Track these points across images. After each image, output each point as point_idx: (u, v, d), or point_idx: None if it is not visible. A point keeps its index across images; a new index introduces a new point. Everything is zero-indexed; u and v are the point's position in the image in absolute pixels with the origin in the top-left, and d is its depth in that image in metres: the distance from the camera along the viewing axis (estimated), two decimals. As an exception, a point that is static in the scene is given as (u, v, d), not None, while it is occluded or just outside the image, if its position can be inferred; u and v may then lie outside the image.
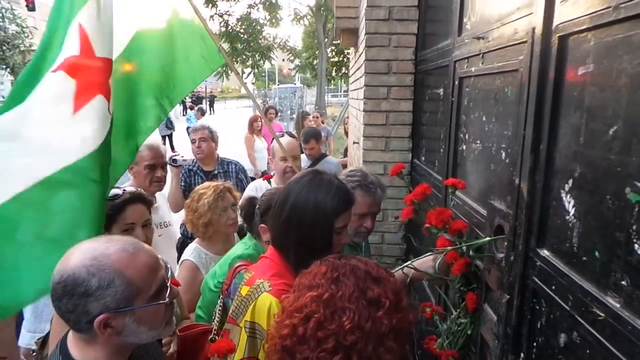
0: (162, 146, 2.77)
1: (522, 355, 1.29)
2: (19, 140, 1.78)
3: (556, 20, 1.11)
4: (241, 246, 2.07)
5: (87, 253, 1.07)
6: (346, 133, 7.20)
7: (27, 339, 2.26)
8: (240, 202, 2.46)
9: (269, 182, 2.91)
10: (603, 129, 0.93)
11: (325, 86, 25.87)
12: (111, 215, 1.79)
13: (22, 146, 1.78)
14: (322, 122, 9.14)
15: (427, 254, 1.68)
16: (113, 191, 1.89)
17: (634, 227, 0.84)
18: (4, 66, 13.58)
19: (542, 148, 1.16)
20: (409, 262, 1.69)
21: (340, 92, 40.22)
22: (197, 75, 2.46)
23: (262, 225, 1.87)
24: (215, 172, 3.50)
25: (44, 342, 1.84)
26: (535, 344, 1.23)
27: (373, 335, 0.94)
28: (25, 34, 14.03)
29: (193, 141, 3.56)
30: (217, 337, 1.78)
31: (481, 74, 1.67)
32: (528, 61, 1.24)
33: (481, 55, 1.63)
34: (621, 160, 0.88)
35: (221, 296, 1.83)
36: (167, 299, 1.15)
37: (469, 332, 1.67)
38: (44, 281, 1.21)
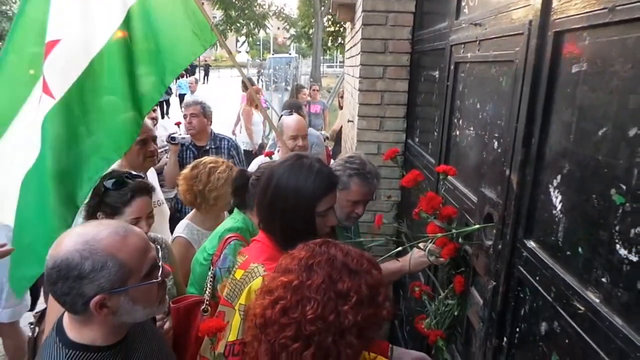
0: (148, 120, 2.78)
1: (505, 339, 1.34)
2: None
3: (553, 15, 1.11)
4: (230, 221, 2.10)
5: (79, 237, 1.09)
6: (340, 107, 7.14)
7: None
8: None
9: (271, 159, 2.90)
10: (593, 129, 0.95)
11: (320, 56, 25.48)
12: (116, 207, 1.80)
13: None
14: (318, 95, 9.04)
15: (414, 249, 1.73)
16: (115, 175, 1.90)
17: (617, 228, 0.87)
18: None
19: (534, 142, 1.18)
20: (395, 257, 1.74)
21: (336, 62, 39.67)
22: (189, 51, 2.44)
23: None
24: (207, 147, 3.49)
25: (41, 316, 1.88)
26: (518, 329, 1.28)
27: (334, 328, 0.94)
28: (13, 0, 13.61)
29: (185, 116, 3.55)
30: (209, 308, 1.84)
31: (477, 61, 1.66)
32: (524, 53, 1.24)
33: (477, 41, 1.63)
34: (608, 161, 0.90)
35: (211, 267, 1.88)
36: (160, 278, 1.19)
37: (455, 313, 1.73)
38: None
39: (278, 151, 3.59)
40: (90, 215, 1.86)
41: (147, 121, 2.74)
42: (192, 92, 10.69)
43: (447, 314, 1.76)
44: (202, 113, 3.50)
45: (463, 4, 1.85)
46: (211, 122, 3.62)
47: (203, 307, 1.86)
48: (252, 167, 2.92)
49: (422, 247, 1.66)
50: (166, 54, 2.37)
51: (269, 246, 1.48)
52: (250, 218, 1.98)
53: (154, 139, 2.67)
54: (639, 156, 0.81)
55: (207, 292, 1.85)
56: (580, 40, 1.01)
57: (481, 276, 1.52)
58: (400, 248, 1.71)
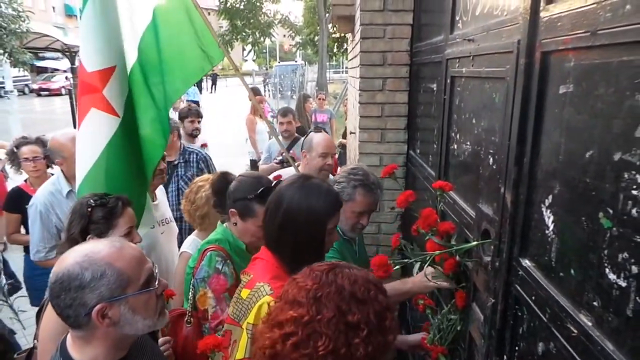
0: None
1: (505, 357, 1.33)
2: None
3: (540, 36, 1.11)
4: (212, 234, 2.13)
5: (79, 252, 1.17)
6: (346, 113, 7.15)
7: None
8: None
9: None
10: (580, 151, 0.95)
11: (326, 63, 25.58)
12: (109, 220, 1.83)
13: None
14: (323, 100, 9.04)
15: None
16: (92, 195, 1.90)
17: (606, 252, 0.86)
18: (1, 51, 13.47)
19: (526, 161, 1.18)
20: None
21: (342, 68, 39.75)
22: (197, 67, 2.50)
23: (232, 209, 1.91)
24: (176, 162, 3.51)
25: (28, 355, 1.87)
26: (517, 348, 1.28)
27: None
28: (22, 18, 13.83)
29: None
30: (192, 319, 1.88)
31: (471, 76, 1.67)
32: (514, 72, 1.24)
33: (471, 57, 1.63)
34: (596, 184, 0.90)
35: (192, 279, 1.92)
36: (157, 287, 1.25)
37: (458, 328, 1.73)
38: None
39: (276, 161, 3.57)
40: (78, 243, 1.72)
41: None
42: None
43: (450, 329, 1.76)
44: None
45: (457, 18, 1.86)
46: (180, 136, 3.66)
47: (186, 318, 1.89)
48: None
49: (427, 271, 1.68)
50: (175, 72, 2.44)
51: (274, 264, 1.50)
52: (228, 228, 1.99)
53: (163, 157, 2.70)
54: (624, 181, 0.81)
55: (189, 303, 1.88)
56: (566, 62, 1.01)
57: (481, 292, 1.52)
58: (404, 261, 1.71)
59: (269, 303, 1.34)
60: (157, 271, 1.28)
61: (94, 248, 1.18)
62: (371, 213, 2.10)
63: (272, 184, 1.94)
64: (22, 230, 3.37)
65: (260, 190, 1.87)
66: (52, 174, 3.43)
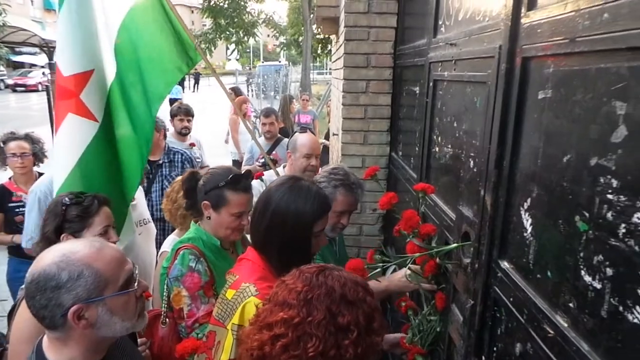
0: None
1: (483, 358, 1.35)
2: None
3: (520, 42, 1.13)
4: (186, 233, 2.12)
5: (56, 252, 1.14)
6: (329, 114, 7.17)
7: None
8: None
9: (262, 180, 2.77)
10: (558, 156, 0.97)
11: (310, 64, 25.59)
12: (84, 219, 1.80)
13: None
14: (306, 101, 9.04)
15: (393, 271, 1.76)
16: (69, 193, 1.88)
17: (582, 255, 0.88)
18: (-24, 45, 13.16)
19: (505, 165, 1.20)
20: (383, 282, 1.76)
21: (326, 69, 39.83)
22: (175, 71, 2.46)
23: (205, 202, 1.89)
24: (161, 161, 3.47)
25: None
26: (495, 349, 1.29)
27: None
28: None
29: None
30: (167, 319, 1.87)
31: (453, 80, 1.69)
32: (495, 76, 1.26)
33: (454, 61, 1.65)
34: (573, 188, 0.92)
35: (166, 279, 1.90)
36: (137, 288, 1.23)
37: (437, 329, 1.74)
38: None
39: (259, 164, 3.54)
40: (53, 241, 1.76)
41: None
42: None
43: (429, 330, 1.77)
44: (155, 127, 3.48)
45: (440, 22, 1.88)
46: (165, 135, 3.61)
47: (161, 319, 1.86)
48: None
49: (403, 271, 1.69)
50: (154, 72, 2.40)
51: (261, 265, 1.49)
52: (201, 226, 1.97)
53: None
54: (600, 185, 0.83)
55: (164, 304, 1.86)
56: (545, 68, 1.03)
57: (461, 294, 1.54)
58: (385, 265, 1.72)
59: (256, 305, 1.33)
60: (137, 272, 1.26)
61: (73, 248, 1.15)
62: (351, 213, 2.12)
63: (244, 172, 1.96)
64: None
65: (231, 177, 1.86)
66: (39, 172, 3.35)
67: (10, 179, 3.30)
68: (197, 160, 3.88)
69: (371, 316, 1.01)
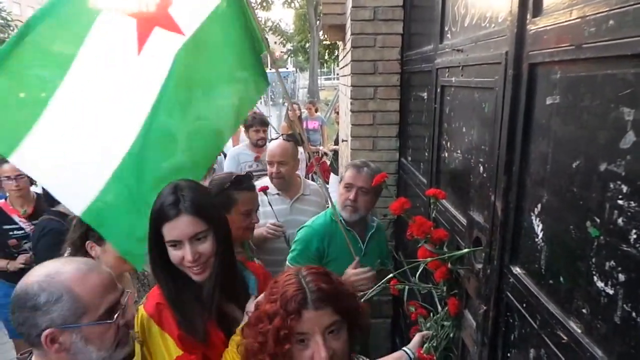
0: None
1: (497, 364, 1.35)
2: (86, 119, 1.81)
3: (527, 48, 1.13)
4: None
5: (43, 270, 1.12)
6: (337, 122, 7.19)
7: None
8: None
9: (265, 194, 2.69)
10: (567, 161, 0.97)
11: (318, 70, 25.67)
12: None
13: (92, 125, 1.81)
14: (316, 111, 9.05)
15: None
16: None
17: (594, 260, 0.88)
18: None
19: (515, 170, 1.20)
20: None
21: (334, 74, 39.91)
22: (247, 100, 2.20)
23: None
24: None
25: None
26: (509, 354, 1.29)
27: None
28: (11, 27, 13.73)
29: None
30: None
31: (461, 86, 1.69)
32: (502, 82, 1.26)
33: (461, 67, 1.66)
34: (583, 194, 0.92)
35: None
36: (116, 320, 1.16)
37: (451, 335, 1.74)
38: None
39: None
40: (79, 247, 1.85)
41: None
42: None
43: (443, 336, 1.77)
44: None
45: (446, 28, 1.89)
46: None
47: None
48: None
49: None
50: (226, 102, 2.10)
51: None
52: None
53: None
54: (610, 191, 0.83)
55: None
56: (552, 74, 1.03)
57: (473, 299, 1.53)
58: (391, 275, 1.73)
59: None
60: (126, 300, 1.21)
61: (60, 268, 1.13)
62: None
63: (245, 174, 2.03)
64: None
65: (234, 178, 1.92)
66: (36, 193, 3.20)
67: (5, 199, 3.18)
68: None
69: None
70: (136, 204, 1.79)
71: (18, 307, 1.09)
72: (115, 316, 1.17)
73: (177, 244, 1.37)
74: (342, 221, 2.18)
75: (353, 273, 2.03)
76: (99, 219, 1.79)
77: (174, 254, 1.38)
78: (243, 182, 1.96)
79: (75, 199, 1.80)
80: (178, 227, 1.35)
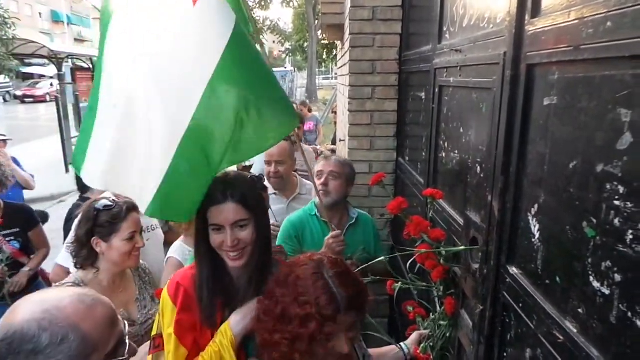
0: None
1: (494, 363, 1.35)
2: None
3: (525, 49, 1.14)
4: None
5: (38, 305, 0.94)
6: (335, 122, 7.19)
7: None
8: None
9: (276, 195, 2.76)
10: (564, 162, 0.98)
11: (316, 69, 25.67)
12: (113, 224, 1.85)
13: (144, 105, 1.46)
14: (310, 111, 9.06)
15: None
16: (101, 202, 1.92)
17: (590, 261, 0.89)
18: (-13, 58, 13.36)
19: (512, 171, 1.21)
20: None
21: (332, 74, 39.93)
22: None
23: None
24: None
25: None
26: (505, 354, 1.30)
27: None
28: (9, 25, 13.64)
29: None
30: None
31: (459, 86, 1.70)
32: (500, 83, 1.27)
33: (459, 67, 1.66)
34: (579, 194, 0.92)
35: None
36: (126, 356, 1.04)
37: (447, 334, 1.74)
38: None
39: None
40: (84, 243, 1.87)
41: None
42: None
43: (439, 335, 1.77)
44: None
45: (445, 29, 1.89)
46: None
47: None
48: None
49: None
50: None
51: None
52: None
53: None
54: (607, 192, 0.83)
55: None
56: (550, 75, 1.04)
57: (470, 299, 1.54)
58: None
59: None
60: (127, 331, 1.08)
61: (59, 302, 0.94)
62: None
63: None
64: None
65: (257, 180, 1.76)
66: (3, 201, 2.99)
67: None
68: None
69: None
70: (200, 177, 1.47)
71: (10, 352, 0.89)
72: (126, 351, 1.04)
73: (220, 228, 1.41)
74: (317, 214, 2.34)
75: (328, 239, 2.11)
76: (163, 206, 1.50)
77: (215, 237, 1.42)
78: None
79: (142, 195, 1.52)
80: (223, 213, 1.39)
